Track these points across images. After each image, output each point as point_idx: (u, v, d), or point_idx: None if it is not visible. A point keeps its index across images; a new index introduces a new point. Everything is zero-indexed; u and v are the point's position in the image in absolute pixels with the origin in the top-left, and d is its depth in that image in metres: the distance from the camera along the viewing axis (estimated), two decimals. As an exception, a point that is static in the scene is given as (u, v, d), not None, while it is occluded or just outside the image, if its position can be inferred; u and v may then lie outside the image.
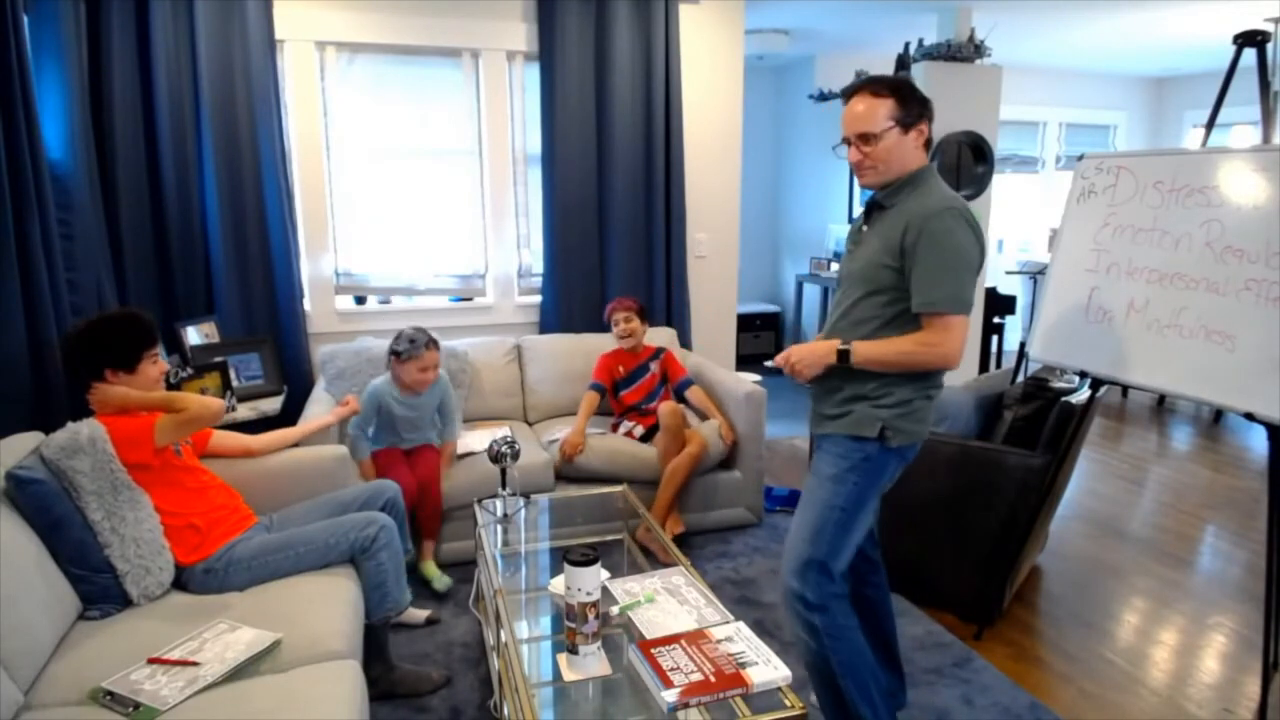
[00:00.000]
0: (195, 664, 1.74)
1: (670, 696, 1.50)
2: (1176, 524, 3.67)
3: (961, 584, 2.78)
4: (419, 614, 2.73)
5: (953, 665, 2.52)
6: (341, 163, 3.73)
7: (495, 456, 2.51)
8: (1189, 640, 2.72)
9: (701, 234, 4.27)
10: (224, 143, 3.35)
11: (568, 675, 1.72)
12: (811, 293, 6.58)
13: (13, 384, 2.38)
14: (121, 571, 1.96)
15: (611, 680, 1.74)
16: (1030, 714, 2.29)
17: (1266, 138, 3.16)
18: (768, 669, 1.58)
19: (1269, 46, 3.08)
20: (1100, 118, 7.70)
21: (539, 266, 4.04)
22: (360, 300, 3.97)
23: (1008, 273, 6.24)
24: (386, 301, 4.06)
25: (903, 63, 5.21)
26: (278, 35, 3.42)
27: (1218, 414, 5.40)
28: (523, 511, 2.57)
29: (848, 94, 1.88)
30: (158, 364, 2.20)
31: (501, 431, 3.03)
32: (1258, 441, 4.83)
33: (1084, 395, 2.74)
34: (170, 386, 2.52)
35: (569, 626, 1.72)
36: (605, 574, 1.96)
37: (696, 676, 1.55)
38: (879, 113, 1.81)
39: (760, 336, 6.73)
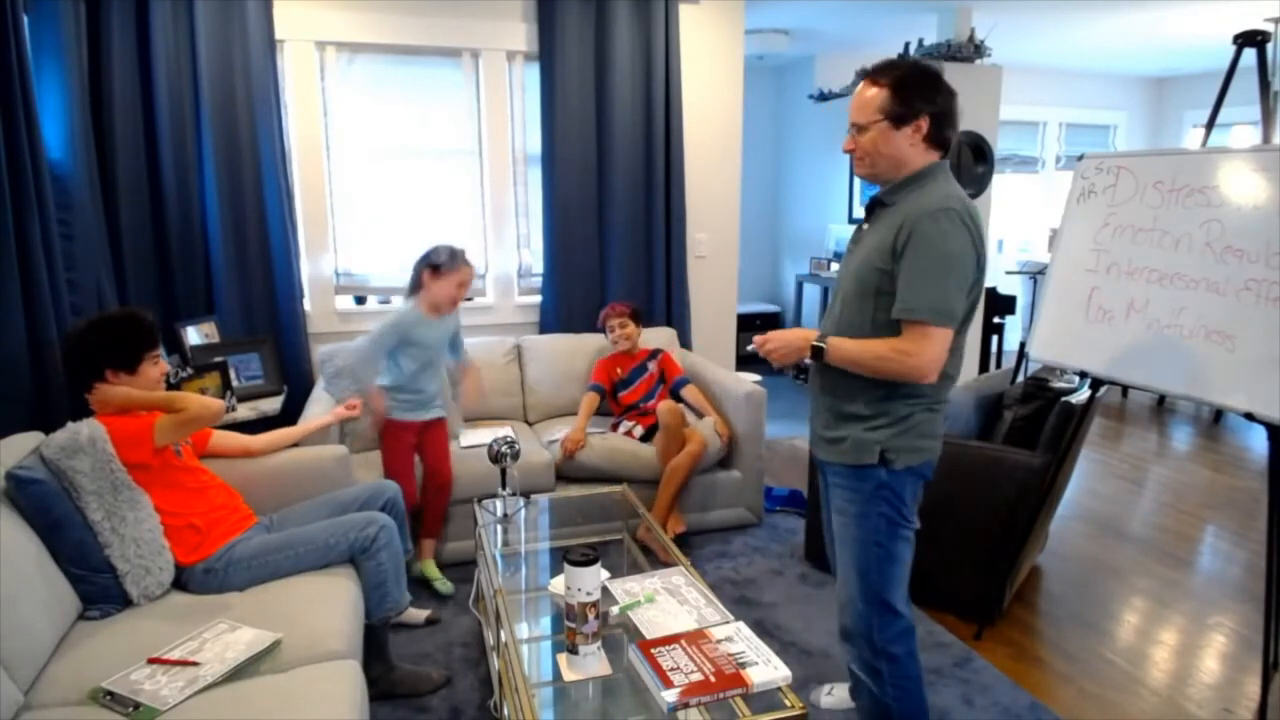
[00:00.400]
0: (195, 664, 1.74)
1: (670, 696, 1.50)
2: (1176, 524, 3.67)
3: (961, 584, 2.78)
4: (419, 614, 2.73)
5: (953, 665, 2.52)
6: (341, 163, 3.73)
7: (495, 456, 2.52)
8: (1189, 640, 2.72)
9: (701, 234, 4.27)
10: (224, 143, 3.35)
11: (568, 675, 1.72)
12: (811, 293, 6.58)
13: (13, 384, 2.38)
14: (121, 571, 1.96)
15: (611, 680, 1.74)
16: (1030, 714, 2.29)
17: (1266, 138, 3.16)
18: (768, 669, 1.58)
19: (1269, 46, 3.07)
20: (1100, 118, 7.70)
21: (539, 266, 4.04)
22: (360, 300, 3.97)
23: (1008, 273, 6.24)
24: (386, 301, 4.06)
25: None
26: (278, 35, 3.42)
27: (1218, 414, 5.40)
28: (523, 511, 2.58)
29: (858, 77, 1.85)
30: (158, 365, 2.20)
31: (502, 431, 3.03)
32: (1258, 441, 4.83)
33: (1084, 395, 2.74)
34: (170, 387, 2.52)
35: (569, 626, 1.72)
36: (605, 574, 1.96)
37: (696, 676, 1.55)
38: (870, 104, 1.74)
39: (760, 336, 6.71)
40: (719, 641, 1.68)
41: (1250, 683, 2.46)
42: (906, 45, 5.23)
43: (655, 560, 2.56)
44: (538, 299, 4.06)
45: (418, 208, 3.88)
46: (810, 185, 6.62)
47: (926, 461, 1.81)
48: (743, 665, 1.59)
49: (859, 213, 6.04)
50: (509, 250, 4.02)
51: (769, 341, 1.83)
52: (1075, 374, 2.93)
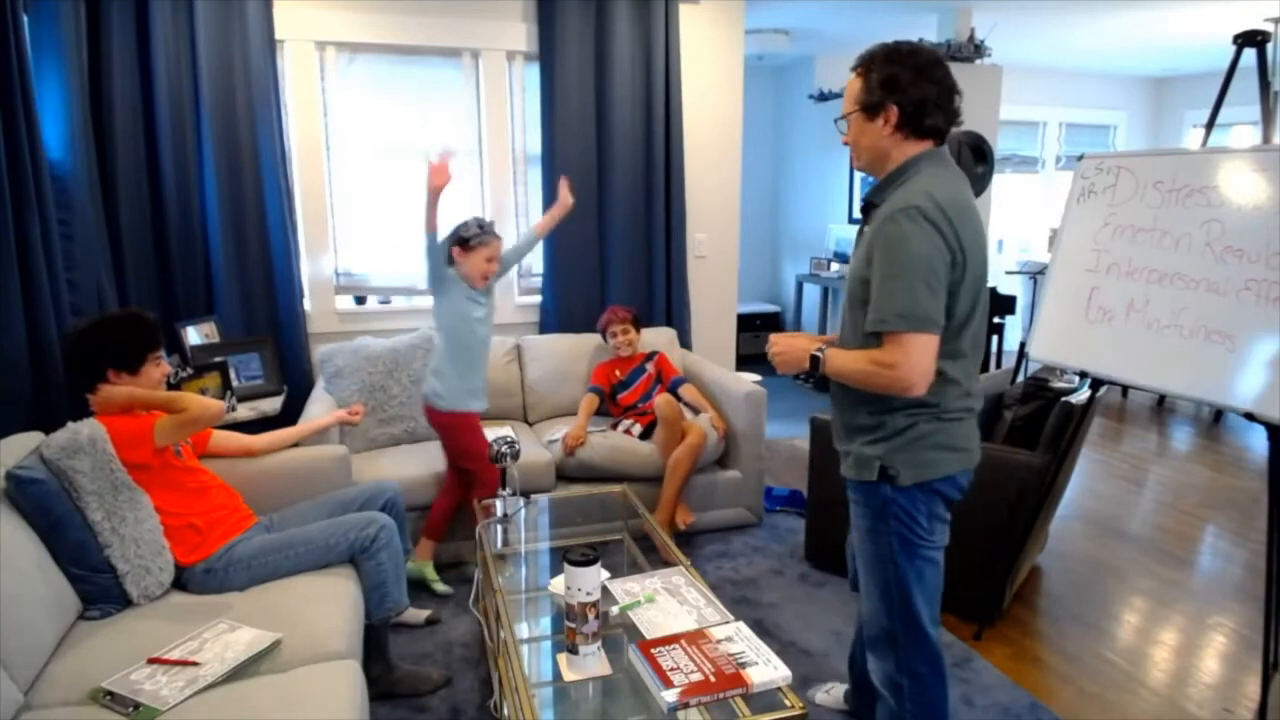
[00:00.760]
0: (195, 664, 1.74)
1: (670, 696, 1.50)
2: (1176, 524, 3.67)
3: (961, 584, 2.76)
4: (419, 614, 2.73)
5: (953, 665, 2.51)
6: (341, 163, 3.73)
7: (495, 456, 2.51)
8: (1189, 640, 2.72)
9: (701, 234, 4.27)
10: (224, 143, 3.35)
11: (568, 675, 1.72)
12: (811, 293, 6.58)
13: (13, 384, 2.38)
14: (121, 571, 1.96)
15: (611, 680, 1.74)
16: (1030, 714, 2.29)
17: (1266, 138, 3.16)
18: (768, 669, 1.58)
19: (1269, 46, 3.08)
20: (1100, 118, 7.70)
21: (539, 266, 4.04)
22: (360, 300, 3.97)
23: (1008, 273, 6.24)
24: (386, 301, 4.06)
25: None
26: (278, 35, 3.41)
27: (1218, 414, 5.40)
28: (523, 511, 2.57)
29: None
30: (160, 366, 2.20)
31: (502, 431, 3.03)
32: (1258, 441, 4.83)
33: (1084, 395, 2.74)
34: (170, 387, 2.52)
35: (569, 626, 1.72)
36: (605, 574, 1.96)
37: (696, 676, 1.55)
38: (848, 94, 1.68)
39: (760, 336, 6.72)
40: (719, 641, 1.67)
41: (1250, 683, 2.46)
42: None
43: (656, 560, 2.56)
44: (538, 299, 4.06)
45: (418, 208, 3.86)
46: (810, 185, 6.62)
47: (947, 477, 1.67)
48: (743, 665, 1.59)
49: (859, 212, 6.02)
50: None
51: (775, 345, 1.76)
52: (1075, 374, 2.93)
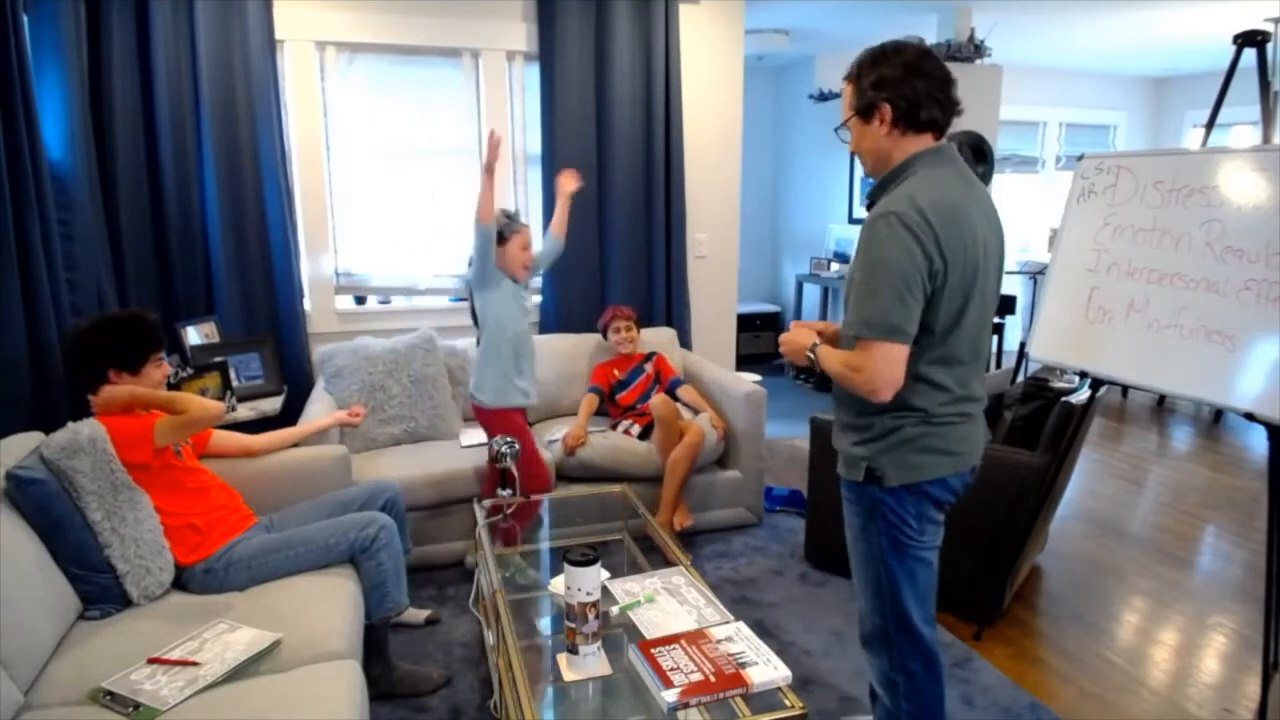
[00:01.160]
0: (195, 664, 1.74)
1: (670, 696, 1.51)
2: (1176, 524, 3.67)
3: (961, 584, 2.77)
4: (419, 614, 2.73)
5: (953, 665, 2.52)
6: (341, 163, 3.73)
7: (495, 456, 2.52)
8: (1189, 640, 2.72)
9: (701, 234, 4.27)
10: (224, 143, 3.35)
11: (568, 675, 1.73)
12: (811, 293, 6.58)
13: (13, 384, 2.38)
14: (121, 571, 1.96)
15: (611, 680, 1.74)
16: (1030, 714, 2.29)
17: (1266, 138, 3.16)
18: (768, 669, 1.58)
19: (1269, 46, 3.08)
20: (1100, 118, 7.70)
21: (539, 266, 4.04)
22: (360, 300, 3.97)
23: (1008, 273, 6.23)
24: (386, 301, 4.06)
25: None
26: (278, 35, 3.42)
27: (1218, 414, 5.40)
28: (523, 511, 2.57)
29: None
30: (161, 367, 2.21)
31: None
32: (1258, 441, 4.83)
33: (1084, 395, 2.74)
34: (170, 387, 2.52)
35: (569, 626, 1.72)
36: (605, 574, 1.96)
37: (696, 676, 1.55)
38: (844, 102, 1.68)
39: (760, 336, 6.73)
40: (719, 641, 1.68)
41: (1250, 683, 2.46)
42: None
43: (656, 560, 2.56)
44: (538, 299, 4.05)
45: (418, 208, 3.88)
46: (810, 185, 6.62)
47: (939, 480, 1.66)
48: (743, 665, 1.59)
49: (859, 213, 6.04)
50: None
51: (784, 337, 1.79)
52: (1075, 374, 2.93)
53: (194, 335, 3.24)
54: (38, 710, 1.63)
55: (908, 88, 1.58)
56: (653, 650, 1.64)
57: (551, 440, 3.31)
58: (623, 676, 1.73)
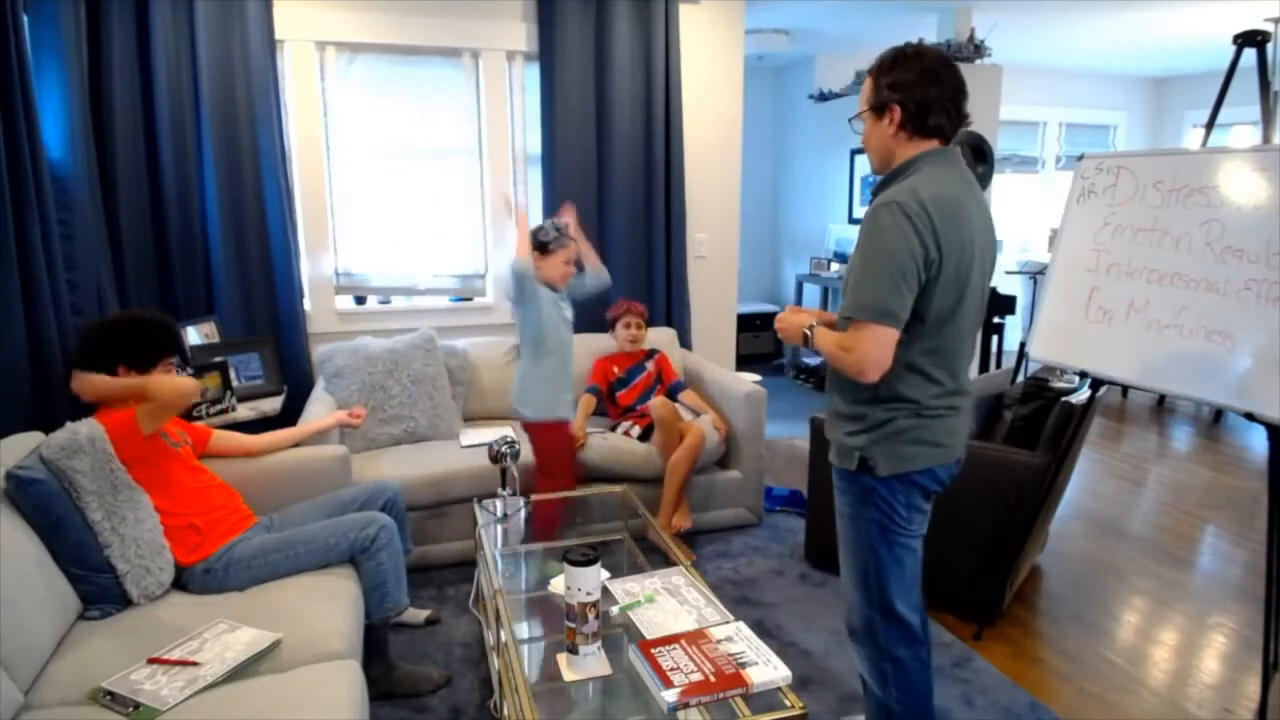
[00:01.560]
0: (195, 664, 1.74)
1: (670, 696, 1.50)
2: (1176, 524, 3.67)
3: (961, 584, 2.78)
4: (419, 614, 2.73)
5: (953, 665, 2.52)
6: (341, 163, 3.73)
7: (495, 456, 2.52)
8: (1189, 640, 2.72)
9: (701, 234, 4.27)
10: (224, 143, 3.35)
11: (568, 675, 1.72)
12: (811, 293, 6.58)
13: (13, 384, 2.38)
14: (121, 571, 1.96)
15: (611, 680, 1.74)
16: (1030, 714, 2.29)
17: (1266, 138, 3.16)
18: (768, 669, 1.58)
19: (1269, 46, 3.08)
20: (1100, 118, 7.70)
21: (539, 266, 4.04)
22: (360, 300, 3.97)
23: (1008, 273, 6.24)
24: (386, 301, 4.06)
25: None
26: (278, 35, 3.41)
27: (1218, 414, 5.40)
28: (523, 511, 2.57)
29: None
30: (170, 372, 2.22)
31: (502, 431, 3.03)
32: (1258, 441, 4.83)
33: (1084, 395, 2.74)
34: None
35: (569, 626, 1.72)
36: (605, 574, 1.96)
37: (696, 676, 1.55)
38: (862, 95, 1.74)
39: (760, 336, 6.73)
40: (719, 641, 1.68)
41: (1250, 683, 2.46)
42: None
43: (657, 560, 2.56)
44: (540, 300, 4.05)
45: (418, 208, 3.88)
46: (810, 185, 6.62)
47: (927, 470, 1.72)
48: (743, 665, 1.59)
49: (859, 212, 6.04)
50: (509, 250, 4.01)
51: (780, 319, 1.87)
52: (1075, 374, 2.93)
53: (194, 335, 3.24)
54: (38, 710, 1.63)
55: (920, 93, 1.64)
56: (653, 650, 1.64)
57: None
58: (623, 676, 1.72)
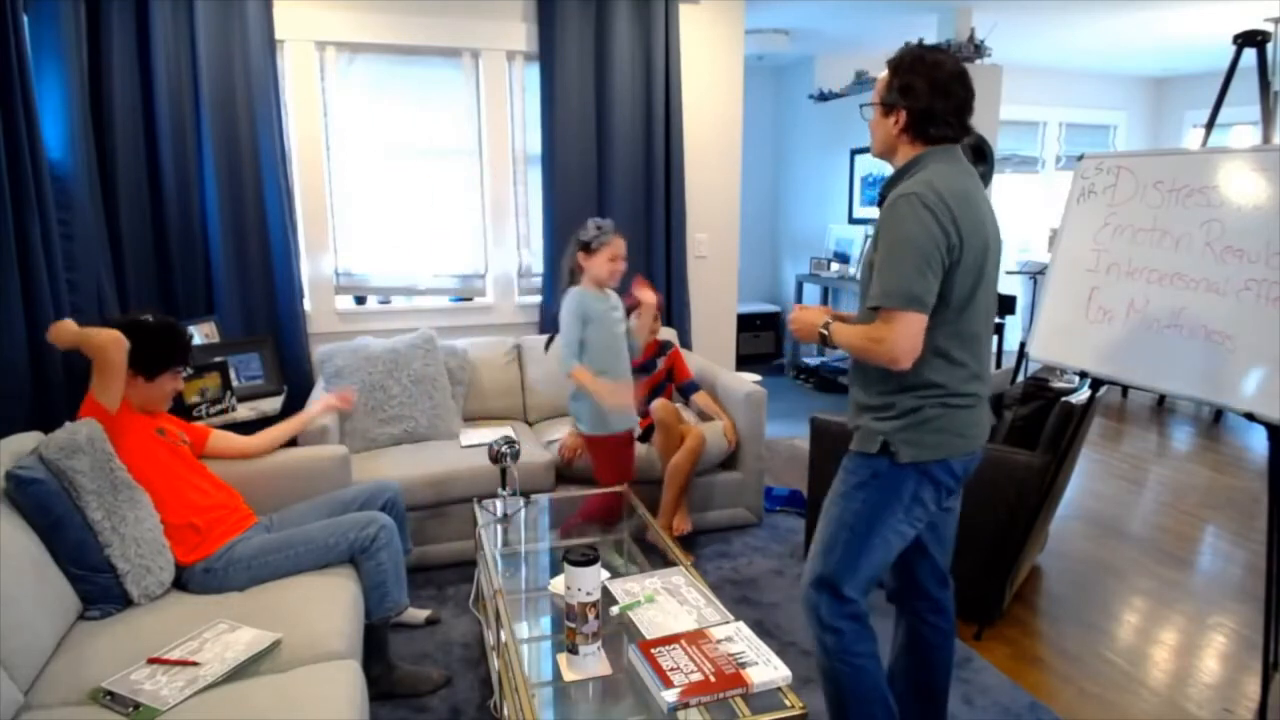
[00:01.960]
0: (195, 664, 1.74)
1: (670, 696, 1.51)
2: (1176, 524, 3.67)
3: (961, 584, 2.76)
4: (419, 614, 2.73)
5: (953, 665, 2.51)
6: (341, 163, 3.73)
7: (495, 456, 2.52)
8: (1189, 640, 2.72)
9: (701, 234, 4.27)
10: (224, 143, 3.35)
11: (568, 675, 1.73)
12: (811, 292, 6.57)
13: (13, 384, 2.38)
14: (122, 571, 1.96)
15: (611, 680, 1.74)
16: (1030, 714, 2.29)
17: (1266, 138, 3.17)
18: (768, 669, 1.58)
19: (1269, 46, 3.08)
20: (1100, 118, 7.70)
21: (539, 266, 4.04)
22: (360, 300, 3.98)
23: (1008, 273, 6.24)
24: (386, 301, 4.06)
25: (903, 63, 5.22)
26: (278, 35, 3.42)
27: (1218, 414, 5.40)
28: (523, 511, 2.58)
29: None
30: (176, 379, 2.25)
31: (502, 431, 3.03)
32: (1258, 441, 4.83)
33: (1084, 395, 2.74)
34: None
35: (569, 626, 1.72)
36: (605, 574, 1.96)
37: (696, 676, 1.55)
38: (878, 84, 1.78)
39: (760, 336, 6.73)
40: (719, 641, 1.68)
41: (1250, 683, 2.46)
42: (906, 45, 5.23)
43: (656, 560, 2.56)
44: (538, 299, 4.06)
45: (418, 208, 3.88)
46: (810, 185, 6.62)
47: (944, 461, 1.74)
48: (743, 665, 1.59)
49: (859, 212, 6.04)
50: (509, 250, 4.02)
51: (793, 318, 1.87)
52: (1075, 374, 2.93)
53: (194, 335, 3.24)
54: (38, 710, 1.63)
55: (926, 103, 1.69)
56: (653, 650, 1.64)
57: (551, 441, 3.31)
58: (623, 676, 1.73)
